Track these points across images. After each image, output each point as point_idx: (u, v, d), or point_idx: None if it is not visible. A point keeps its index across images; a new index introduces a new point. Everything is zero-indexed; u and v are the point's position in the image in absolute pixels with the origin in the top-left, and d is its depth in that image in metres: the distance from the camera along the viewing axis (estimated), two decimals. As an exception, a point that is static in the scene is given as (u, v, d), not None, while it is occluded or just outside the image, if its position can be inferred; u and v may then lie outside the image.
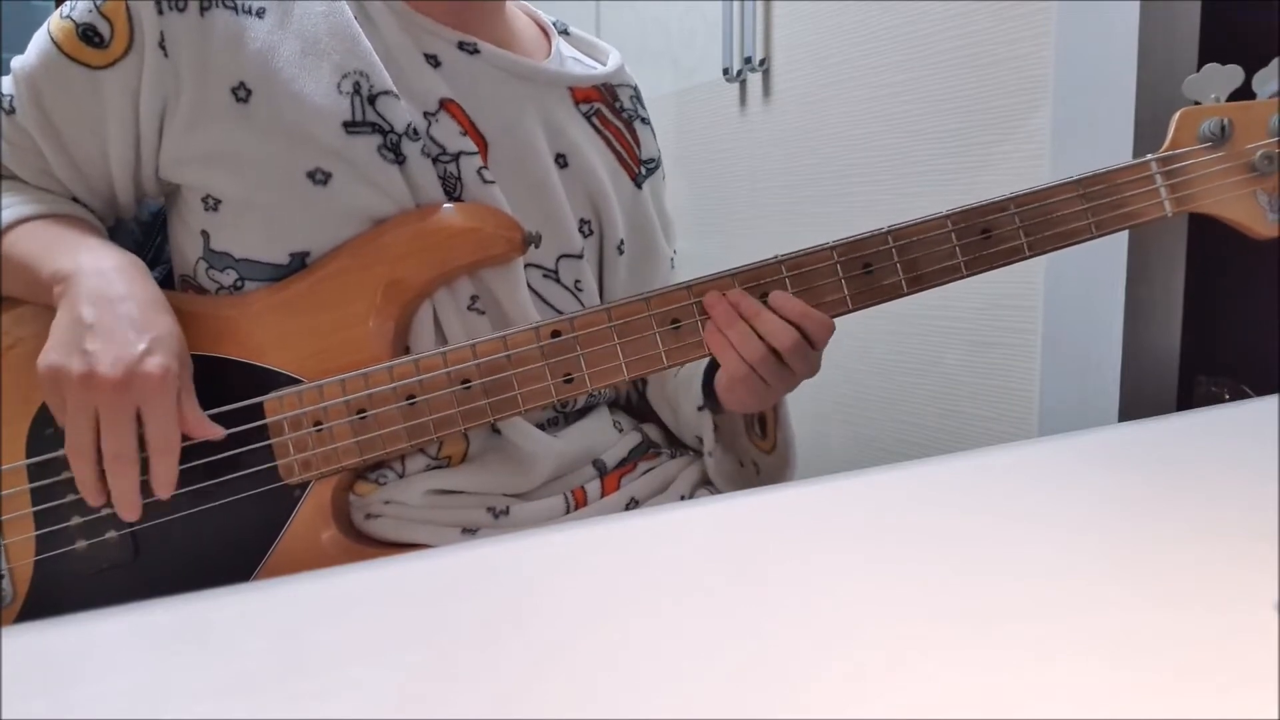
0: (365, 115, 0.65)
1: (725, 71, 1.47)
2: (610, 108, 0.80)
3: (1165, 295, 1.02)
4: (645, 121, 0.83)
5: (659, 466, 0.77)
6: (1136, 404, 1.01)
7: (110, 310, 0.60)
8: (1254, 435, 0.53)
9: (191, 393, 0.62)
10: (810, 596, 0.34)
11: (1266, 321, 0.96)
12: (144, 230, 0.77)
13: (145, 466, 0.60)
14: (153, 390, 0.58)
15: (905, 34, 1.20)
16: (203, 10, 0.64)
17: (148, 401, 0.59)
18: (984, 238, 0.65)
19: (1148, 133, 0.68)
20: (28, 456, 0.66)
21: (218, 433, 0.63)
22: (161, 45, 0.64)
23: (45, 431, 0.66)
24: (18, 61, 0.68)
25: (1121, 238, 0.98)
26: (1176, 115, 0.67)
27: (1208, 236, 1.01)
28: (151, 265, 0.74)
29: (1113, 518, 0.42)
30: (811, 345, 0.65)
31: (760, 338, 0.63)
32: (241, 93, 0.64)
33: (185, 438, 0.61)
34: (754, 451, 0.77)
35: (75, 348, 0.59)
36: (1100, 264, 1.00)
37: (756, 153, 1.46)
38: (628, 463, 0.77)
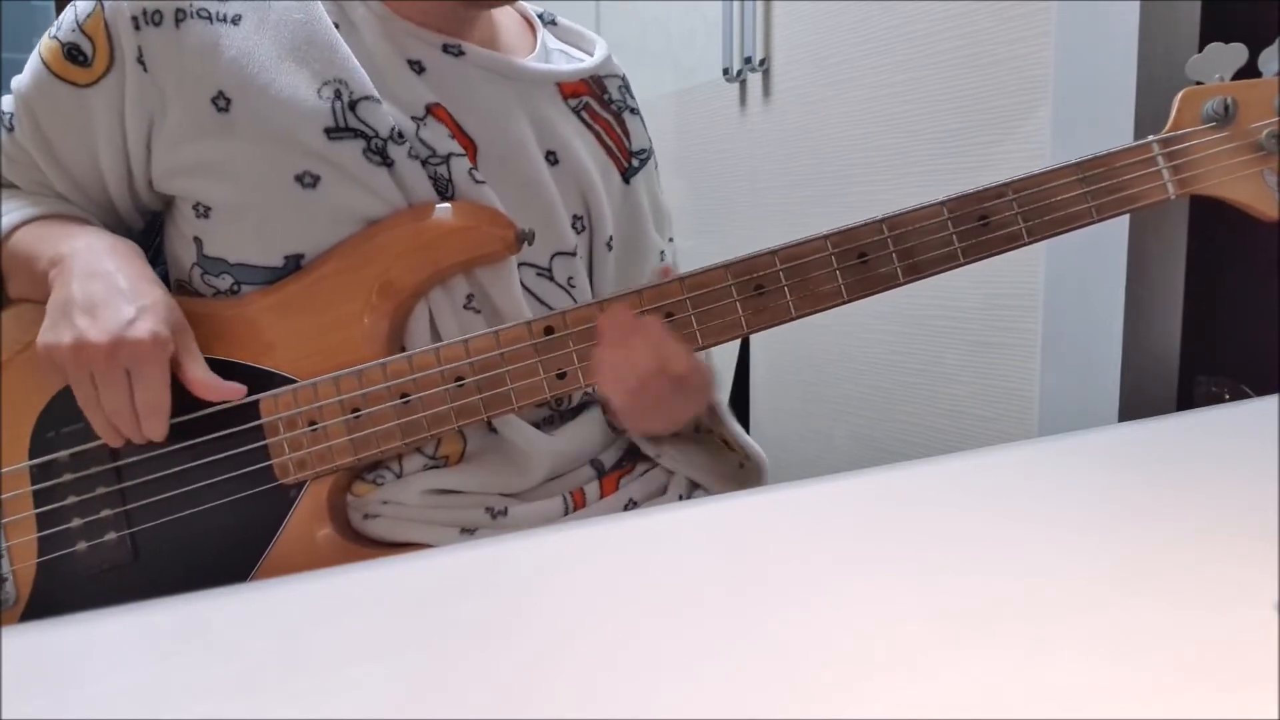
0: (347, 121, 0.65)
1: (725, 71, 1.47)
2: (599, 100, 0.79)
3: (1165, 295, 1.02)
4: (635, 112, 0.82)
5: (658, 467, 0.77)
6: (1136, 404, 1.01)
7: (99, 283, 0.61)
8: (1254, 435, 0.53)
9: (198, 356, 0.63)
10: (810, 596, 0.34)
11: (1266, 321, 0.96)
12: (144, 231, 0.77)
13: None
14: (143, 355, 0.60)
15: (905, 34, 1.20)
16: (177, 22, 0.64)
17: (136, 365, 0.60)
18: (982, 224, 0.64)
19: (1148, 133, 0.67)
20: (30, 459, 0.66)
21: (236, 390, 0.63)
22: (140, 61, 0.64)
23: (48, 434, 0.66)
24: (16, 81, 0.69)
25: (1122, 238, 0.98)
26: (1179, 95, 0.65)
27: (1208, 236, 1.01)
28: (152, 264, 0.74)
29: (1113, 518, 0.42)
30: (675, 379, 0.63)
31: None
32: (221, 102, 0.64)
33: (204, 403, 0.63)
34: (736, 460, 0.78)
35: (66, 322, 0.60)
36: (1100, 264, 1.00)
37: (756, 153, 1.46)
38: (626, 463, 0.77)
